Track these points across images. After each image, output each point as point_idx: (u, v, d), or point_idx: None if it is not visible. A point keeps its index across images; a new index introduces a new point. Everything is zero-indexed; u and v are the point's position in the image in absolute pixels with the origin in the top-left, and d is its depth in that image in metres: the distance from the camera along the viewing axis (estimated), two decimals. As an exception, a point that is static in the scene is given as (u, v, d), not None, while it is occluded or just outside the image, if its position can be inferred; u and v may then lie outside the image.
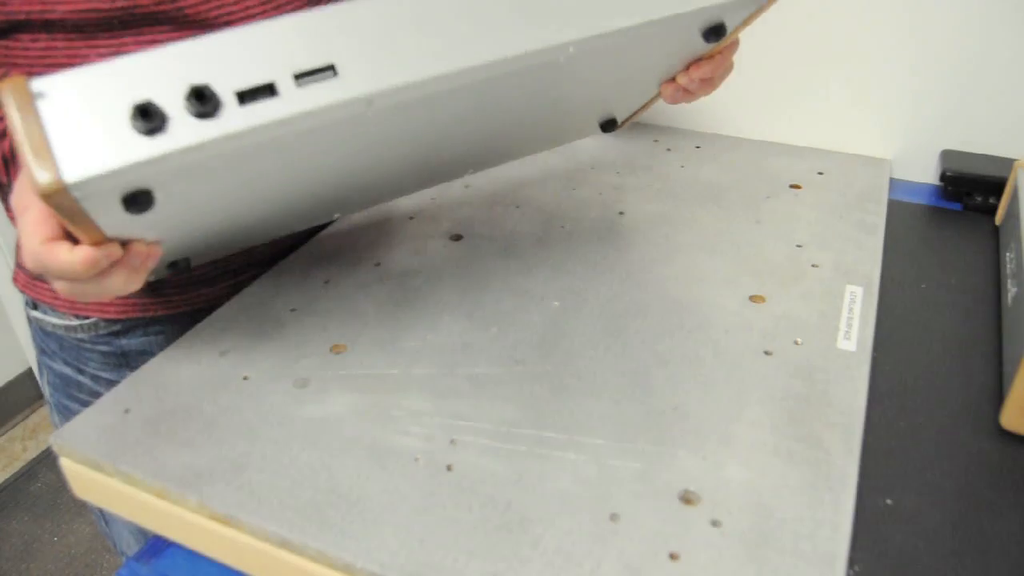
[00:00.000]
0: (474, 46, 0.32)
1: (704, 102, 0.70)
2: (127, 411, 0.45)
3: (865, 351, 0.48)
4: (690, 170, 0.72)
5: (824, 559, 0.35)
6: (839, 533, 0.36)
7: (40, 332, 0.63)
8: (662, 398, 0.45)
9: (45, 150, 0.29)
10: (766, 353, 0.48)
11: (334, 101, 0.31)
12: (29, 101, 0.30)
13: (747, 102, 0.80)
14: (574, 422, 0.43)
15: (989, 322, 0.53)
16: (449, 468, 0.41)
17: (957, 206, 0.69)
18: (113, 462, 0.42)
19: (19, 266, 0.61)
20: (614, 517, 0.37)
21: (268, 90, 0.31)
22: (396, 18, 0.32)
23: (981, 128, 0.71)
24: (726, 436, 0.42)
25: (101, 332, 0.60)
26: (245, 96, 0.31)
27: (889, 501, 0.40)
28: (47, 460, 1.57)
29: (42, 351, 0.64)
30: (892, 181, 0.72)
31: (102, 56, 0.49)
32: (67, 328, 0.61)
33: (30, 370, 1.64)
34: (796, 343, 0.49)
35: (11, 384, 1.65)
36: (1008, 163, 0.66)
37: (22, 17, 0.47)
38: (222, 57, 0.31)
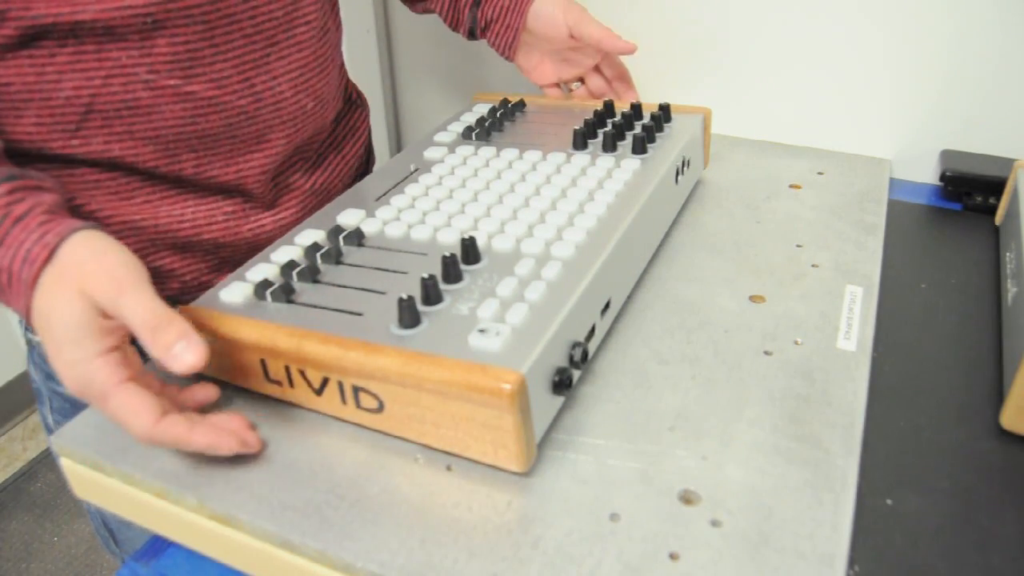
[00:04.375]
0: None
1: (704, 102, 0.71)
2: (127, 411, 0.45)
3: (865, 351, 0.48)
4: (690, 170, 0.72)
5: (824, 559, 0.35)
6: (839, 533, 0.36)
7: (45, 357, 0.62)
8: (662, 398, 0.45)
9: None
10: (766, 353, 0.48)
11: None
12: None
13: (747, 102, 0.80)
14: (574, 422, 0.43)
15: (989, 322, 0.53)
16: (449, 468, 0.41)
17: (957, 206, 0.69)
18: (113, 462, 0.42)
19: None
20: (614, 517, 0.37)
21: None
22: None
23: (981, 128, 0.71)
24: (726, 436, 0.42)
25: None
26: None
27: (889, 501, 0.40)
28: (47, 460, 1.57)
29: (49, 376, 0.62)
30: (892, 181, 0.72)
31: (133, 60, 0.48)
32: None
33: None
34: (796, 343, 0.49)
35: (11, 384, 1.64)
36: (1008, 163, 0.66)
37: (49, 21, 0.45)
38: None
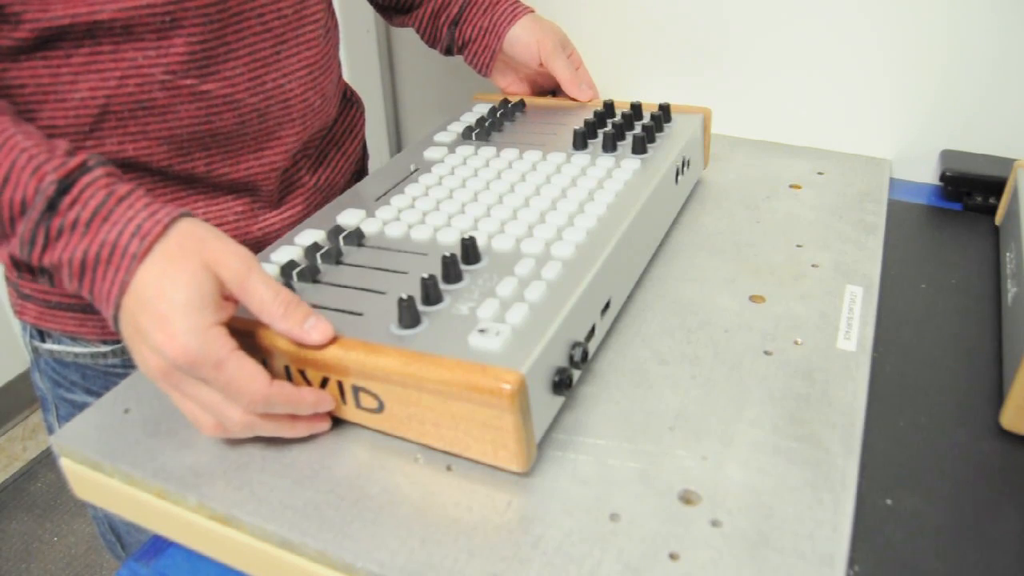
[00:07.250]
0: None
1: (704, 102, 0.70)
2: (127, 411, 0.45)
3: (865, 351, 0.48)
4: (690, 170, 0.72)
5: (824, 559, 0.35)
6: (839, 533, 0.36)
7: (55, 364, 0.61)
8: (662, 398, 0.45)
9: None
10: (766, 353, 0.48)
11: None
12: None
13: (747, 102, 0.80)
14: (574, 422, 0.43)
15: (989, 322, 0.53)
16: (449, 468, 0.41)
17: (957, 206, 0.69)
18: (113, 462, 0.42)
19: (24, 298, 0.59)
20: (614, 517, 0.37)
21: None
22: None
23: (981, 128, 0.71)
24: (726, 436, 0.42)
25: None
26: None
27: (889, 501, 0.40)
28: (47, 460, 1.57)
29: (56, 384, 0.62)
30: (892, 181, 0.72)
31: (149, 60, 0.48)
32: (94, 356, 0.59)
33: (30, 370, 1.64)
34: (796, 343, 0.49)
35: (11, 384, 1.65)
36: (1008, 163, 0.66)
37: (67, 22, 0.45)
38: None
